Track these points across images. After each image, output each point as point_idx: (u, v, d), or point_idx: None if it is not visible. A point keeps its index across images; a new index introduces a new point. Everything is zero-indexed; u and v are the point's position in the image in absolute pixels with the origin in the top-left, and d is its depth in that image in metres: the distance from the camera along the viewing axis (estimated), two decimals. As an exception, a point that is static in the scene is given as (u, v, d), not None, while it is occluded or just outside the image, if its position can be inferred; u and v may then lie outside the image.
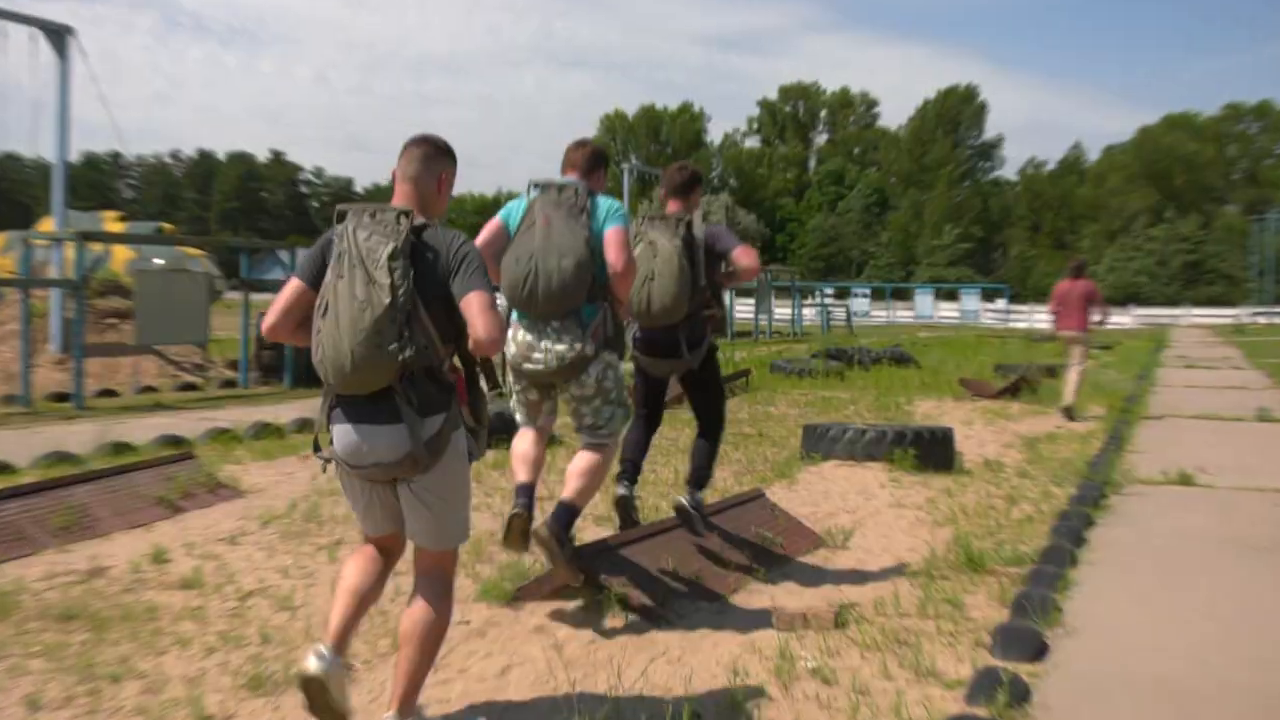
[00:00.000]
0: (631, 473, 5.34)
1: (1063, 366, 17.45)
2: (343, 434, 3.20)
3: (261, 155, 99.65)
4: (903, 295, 59.68)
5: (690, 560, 5.09)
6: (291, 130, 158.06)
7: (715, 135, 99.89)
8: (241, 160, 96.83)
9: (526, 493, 4.57)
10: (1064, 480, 7.86)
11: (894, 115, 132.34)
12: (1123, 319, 52.70)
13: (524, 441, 4.76)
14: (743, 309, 38.41)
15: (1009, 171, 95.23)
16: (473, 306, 3.09)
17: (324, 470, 3.42)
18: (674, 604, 4.65)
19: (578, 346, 4.43)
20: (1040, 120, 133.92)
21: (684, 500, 5.36)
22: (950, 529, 6.32)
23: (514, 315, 4.58)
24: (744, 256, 5.26)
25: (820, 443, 8.60)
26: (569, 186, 4.53)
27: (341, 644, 3.19)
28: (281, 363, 15.04)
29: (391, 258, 3.08)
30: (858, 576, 5.29)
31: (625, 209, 4.65)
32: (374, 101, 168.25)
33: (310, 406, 11.45)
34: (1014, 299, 58.50)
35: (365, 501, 3.32)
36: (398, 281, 3.06)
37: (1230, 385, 16.24)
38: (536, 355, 4.49)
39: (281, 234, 71.88)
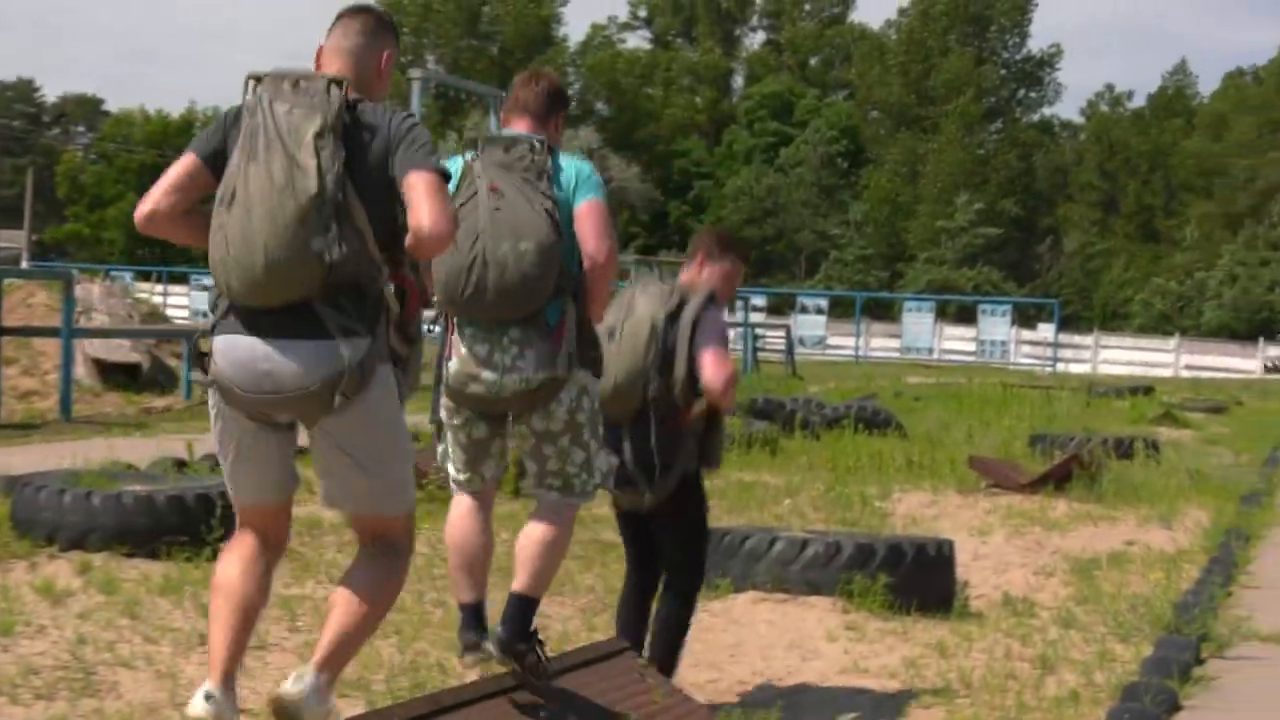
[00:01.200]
0: None
1: (1172, 440, 17.85)
2: (235, 346, 4.05)
3: None
4: (883, 312, 60.66)
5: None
6: None
7: (575, 27, 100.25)
8: None
9: (474, 620, 5.22)
10: (1134, 633, 8.04)
11: (879, 5, 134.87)
12: (1247, 363, 54.51)
13: (463, 519, 5.32)
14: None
15: (1068, 109, 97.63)
16: (417, 188, 4.03)
17: (196, 396, 4.18)
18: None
19: (549, 364, 5.16)
20: (1124, 24, 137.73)
21: None
22: (942, 712, 6.46)
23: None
24: (712, 363, 5.83)
25: (730, 561, 8.66)
26: (521, 142, 5.27)
27: (230, 677, 4.05)
28: None
29: (318, 135, 4.01)
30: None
31: (599, 173, 5.40)
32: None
33: None
34: (1069, 323, 59.95)
35: (244, 451, 4.17)
36: (326, 164, 3.98)
37: None
38: (488, 376, 5.20)
39: None
